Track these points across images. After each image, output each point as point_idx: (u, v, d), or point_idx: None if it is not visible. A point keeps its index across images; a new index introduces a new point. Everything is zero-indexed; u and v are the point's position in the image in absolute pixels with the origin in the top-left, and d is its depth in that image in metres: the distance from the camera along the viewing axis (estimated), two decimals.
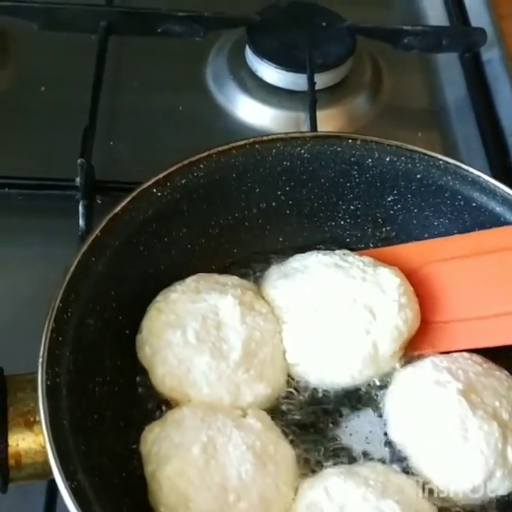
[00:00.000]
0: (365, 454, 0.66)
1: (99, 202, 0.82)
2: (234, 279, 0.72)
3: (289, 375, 0.69)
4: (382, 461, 0.66)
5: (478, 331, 0.70)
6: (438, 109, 1.03)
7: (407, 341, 0.70)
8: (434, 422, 0.65)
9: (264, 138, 0.75)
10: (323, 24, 1.01)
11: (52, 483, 0.57)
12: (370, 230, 0.79)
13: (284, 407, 0.68)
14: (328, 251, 0.73)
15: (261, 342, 0.67)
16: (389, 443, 0.67)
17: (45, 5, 0.97)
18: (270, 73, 0.97)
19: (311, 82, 0.93)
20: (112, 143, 0.92)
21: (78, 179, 0.82)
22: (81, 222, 0.80)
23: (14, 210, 0.85)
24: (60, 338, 0.61)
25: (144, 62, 1.02)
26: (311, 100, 0.91)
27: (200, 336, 0.66)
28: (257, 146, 0.74)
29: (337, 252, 0.73)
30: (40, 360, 0.59)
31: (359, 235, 0.79)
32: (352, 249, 0.77)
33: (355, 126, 0.97)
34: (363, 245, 0.79)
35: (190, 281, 0.70)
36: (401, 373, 0.69)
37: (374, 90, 1.02)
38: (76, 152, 0.83)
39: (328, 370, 0.68)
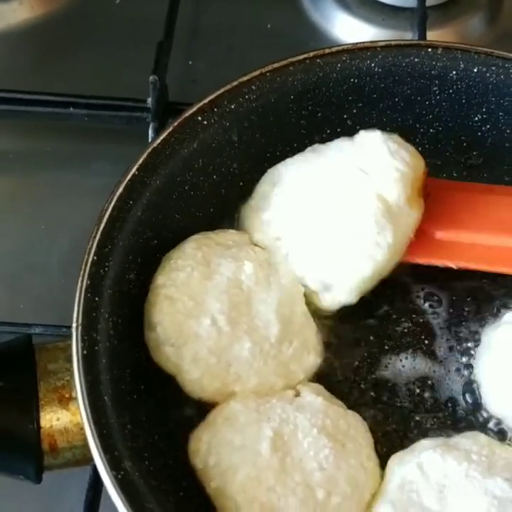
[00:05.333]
0: (456, 421, 0.57)
1: None
2: (233, 236, 0.60)
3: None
4: (475, 426, 0.57)
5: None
6: None
7: (419, 185, 0.61)
8: None
9: (327, 50, 0.64)
10: None
11: (96, 471, 0.48)
12: (453, 156, 0.68)
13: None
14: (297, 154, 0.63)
15: (291, 302, 0.57)
16: (482, 406, 0.58)
17: None
18: None
19: None
20: (190, 62, 0.85)
21: (150, 100, 0.75)
22: None
23: (79, 132, 0.79)
24: (97, 299, 0.52)
25: None
26: (420, 16, 0.82)
27: (232, 319, 0.55)
28: (318, 60, 0.64)
29: (307, 148, 0.63)
30: (74, 325, 0.50)
31: (440, 162, 0.68)
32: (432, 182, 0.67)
33: None
34: (444, 175, 0.68)
35: (192, 250, 0.58)
36: (494, 333, 0.59)
37: (492, 10, 0.91)
38: (150, 71, 0.76)
39: (346, 262, 0.57)
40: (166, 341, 0.55)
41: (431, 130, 0.67)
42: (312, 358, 0.57)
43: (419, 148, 0.68)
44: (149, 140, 0.72)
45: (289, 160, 0.63)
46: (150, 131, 0.72)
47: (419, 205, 0.61)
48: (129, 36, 0.86)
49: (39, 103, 0.77)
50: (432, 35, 0.83)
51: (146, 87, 0.75)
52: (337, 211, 0.58)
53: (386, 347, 0.60)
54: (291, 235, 0.59)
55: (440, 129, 0.67)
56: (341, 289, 0.58)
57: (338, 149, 0.61)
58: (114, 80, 0.82)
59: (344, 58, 0.64)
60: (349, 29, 0.87)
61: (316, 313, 0.59)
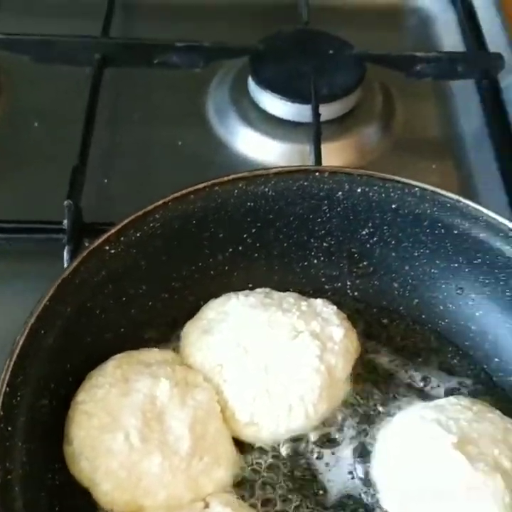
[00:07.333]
0: None
1: (87, 245, 0.74)
2: (156, 354, 0.65)
3: (240, 442, 0.64)
4: None
5: None
6: (453, 139, 0.98)
7: (354, 365, 0.68)
8: (433, 484, 0.59)
9: (224, 179, 0.70)
10: (330, 52, 0.96)
11: None
12: (346, 267, 0.74)
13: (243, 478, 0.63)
14: (245, 291, 0.70)
15: (206, 419, 0.62)
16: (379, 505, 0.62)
17: (39, 37, 0.93)
18: (274, 104, 0.93)
19: (316, 114, 0.88)
20: (106, 180, 0.88)
21: (66, 221, 0.77)
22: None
23: None
24: (10, 428, 0.55)
25: (143, 94, 0.98)
26: (315, 133, 0.86)
27: (144, 434, 0.59)
28: (216, 188, 0.69)
29: (258, 290, 0.70)
30: None
31: (334, 273, 0.74)
32: (327, 290, 0.73)
33: (366, 159, 0.92)
34: (339, 284, 0.74)
35: (112, 368, 0.63)
36: (385, 432, 0.64)
37: (385, 121, 0.97)
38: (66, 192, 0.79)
39: (283, 416, 0.63)
40: (81, 455, 0.59)
41: (324, 244, 0.73)
42: (222, 473, 0.61)
43: (315, 261, 0.74)
44: (64, 261, 0.75)
45: (241, 296, 0.68)
46: (65, 253, 0.75)
47: (350, 383, 0.67)
48: (47, 158, 0.90)
49: None
50: (329, 147, 0.89)
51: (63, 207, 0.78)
52: (283, 364, 0.64)
53: None
54: (233, 365, 0.64)
55: (332, 242, 0.73)
56: (264, 431, 0.64)
57: (297, 308, 0.67)
58: (33, 201, 0.85)
59: (240, 185, 0.70)
60: (253, 144, 0.93)
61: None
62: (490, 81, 0.99)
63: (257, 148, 0.93)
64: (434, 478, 0.60)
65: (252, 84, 0.95)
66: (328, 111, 0.92)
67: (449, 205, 0.70)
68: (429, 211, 0.70)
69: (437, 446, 0.61)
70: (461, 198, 0.70)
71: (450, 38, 1.08)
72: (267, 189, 0.71)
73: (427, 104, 1.02)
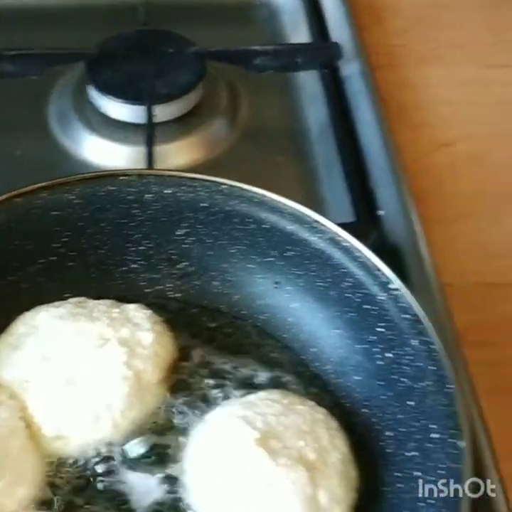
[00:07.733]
0: None
1: None
2: None
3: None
4: None
5: None
6: (299, 132, 0.97)
7: (168, 368, 0.67)
8: (239, 483, 0.59)
9: (23, 190, 0.69)
10: (170, 51, 0.95)
11: None
12: (166, 269, 0.73)
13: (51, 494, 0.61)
14: (57, 302, 0.68)
15: (8, 437, 0.60)
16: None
17: None
18: (113, 108, 0.92)
19: (149, 115, 0.88)
20: None
21: None
22: None
23: None
24: None
25: None
26: (148, 134, 0.85)
27: None
28: (17, 199, 0.68)
29: (71, 300, 0.68)
30: None
31: (155, 276, 0.73)
32: (148, 294, 0.73)
33: (211, 156, 0.92)
34: (160, 287, 0.73)
35: None
36: (196, 432, 0.64)
37: (230, 117, 0.96)
38: None
39: (90, 426, 0.62)
40: None
41: (141, 248, 0.72)
42: (25, 491, 0.59)
43: (134, 266, 0.74)
44: None
45: (52, 308, 0.67)
46: None
47: (166, 387, 0.66)
48: None
49: None
50: (172, 147, 0.89)
51: None
52: (90, 374, 0.63)
53: None
54: (39, 380, 0.63)
55: (150, 245, 0.72)
56: (72, 443, 0.62)
57: (107, 316, 0.66)
58: None
59: (43, 194, 0.69)
60: (97, 149, 0.92)
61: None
62: (332, 71, 0.99)
63: (102, 153, 0.92)
64: (239, 477, 0.59)
65: (91, 89, 0.94)
66: (167, 110, 0.91)
67: (256, 200, 0.70)
68: (238, 207, 0.70)
69: (241, 443, 0.60)
70: (266, 193, 0.70)
71: (298, 30, 1.09)
72: (72, 197, 0.70)
73: (274, 98, 1.01)
